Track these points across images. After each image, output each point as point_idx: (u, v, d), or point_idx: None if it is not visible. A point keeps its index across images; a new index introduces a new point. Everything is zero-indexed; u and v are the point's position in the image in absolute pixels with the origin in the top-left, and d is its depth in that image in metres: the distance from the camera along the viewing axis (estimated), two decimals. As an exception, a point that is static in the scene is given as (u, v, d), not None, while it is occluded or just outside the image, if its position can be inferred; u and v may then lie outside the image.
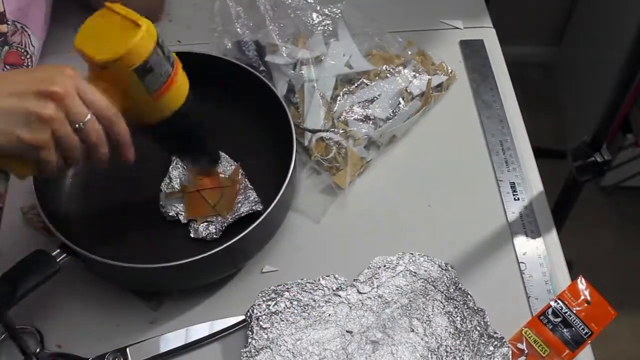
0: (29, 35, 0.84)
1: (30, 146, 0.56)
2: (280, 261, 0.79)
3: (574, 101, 1.99)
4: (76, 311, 0.75)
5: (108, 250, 0.71)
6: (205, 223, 0.77)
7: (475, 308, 0.73)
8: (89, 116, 0.58)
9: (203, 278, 0.75)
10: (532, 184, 0.85)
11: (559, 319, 0.73)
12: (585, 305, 0.75)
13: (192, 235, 0.77)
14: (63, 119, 0.56)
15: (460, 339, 0.71)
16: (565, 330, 0.73)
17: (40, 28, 0.88)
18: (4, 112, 0.54)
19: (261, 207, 0.78)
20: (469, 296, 0.74)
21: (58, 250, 0.70)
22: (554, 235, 0.81)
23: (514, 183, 0.85)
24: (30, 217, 0.79)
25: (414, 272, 0.76)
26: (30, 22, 0.85)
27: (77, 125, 0.57)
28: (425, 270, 0.76)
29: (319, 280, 0.75)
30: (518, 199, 0.83)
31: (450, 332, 0.72)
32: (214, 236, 0.77)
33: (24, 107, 0.54)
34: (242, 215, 0.78)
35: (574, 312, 0.74)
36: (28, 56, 0.84)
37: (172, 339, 0.72)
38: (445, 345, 0.71)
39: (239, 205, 0.79)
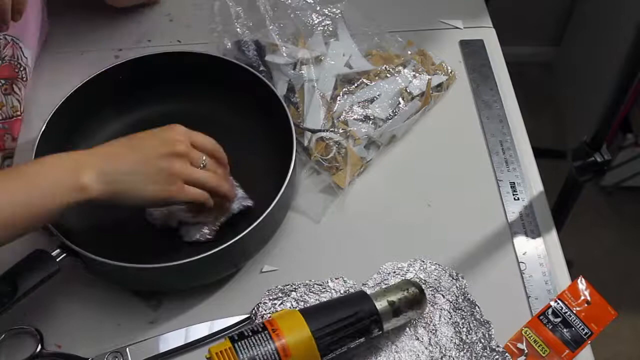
0: (20, 47, 0.85)
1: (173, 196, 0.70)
2: (280, 261, 0.79)
3: (574, 101, 1.99)
4: (76, 311, 0.75)
5: (108, 250, 0.71)
6: (198, 225, 0.77)
7: (482, 320, 0.73)
8: (204, 157, 0.72)
9: (203, 278, 0.75)
10: (532, 184, 0.85)
11: (559, 319, 0.73)
12: (585, 305, 0.75)
13: (184, 239, 0.77)
14: (190, 167, 0.71)
15: (464, 351, 0.71)
16: (565, 330, 0.73)
17: (33, 38, 0.89)
18: (149, 175, 0.68)
19: (251, 202, 0.78)
20: (476, 307, 0.74)
21: (58, 250, 0.70)
22: (554, 235, 0.81)
23: (513, 183, 0.85)
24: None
25: (424, 280, 0.76)
26: (22, 34, 0.86)
27: (201, 165, 0.72)
28: (435, 279, 0.76)
29: (327, 282, 0.75)
30: (518, 199, 0.83)
31: (455, 342, 0.72)
32: (208, 237, 0.76)
33: (161, 167, 0.68)
34: (234, 213, 0.77)
35: (574, 312, 0.74)
36: (22, 68, 0.85)
37: (172, 339, 0.72)
38: (449, 356, 0.70)
39: (227, 203, 0.78)
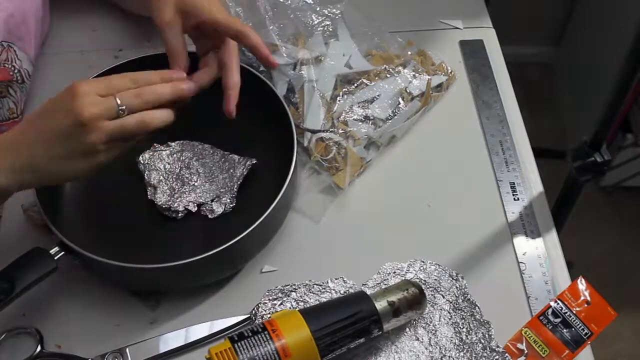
0: (14, 51, 0.86)
1: (101, 162, 0.64)
2: (280, 261, 0.79)
3: (574, 101, 1.99)
4: (76, 311, 0.75)
5: (107, 249, 0.71)
6: (216, 199, 0.79)
7: (482, 320, 0.73)
8: (118, 100, 0.63)
9: (203, 279, 0.75)
10: (532, 184, 0.85)
11: (558, 320, 0.73)
12: (585, 305, 0.75)
13: (210, 216, 0.78)
14: (105, 127, 0.62)
15: (464, 351, 0.71)
16: (565, 330, 0.73)
17: (31, 41, 0.89)
18: (63, 157, 0.62)
19: (254, 160, 0.81)
20: (476, 307, 0.74)
21: (56, 248, 0.70)
22: (553, 235, 0.81)
23: (513, 183, 0.85)
24: (31, 214, 0.79)
25: (424, 280, 0.76)
26: (18, 38, 0.86)
27: (120, 112, 0.63)
28: (435, 279, 0.76)
29: (327, 282, 0.75)
30: (518, 199, 0.83)
31: (455, 343, 0.72)
32: (232, 206, 0.79)
33: (73, 146, 0.62)
34: (244, 176, 0.80)
35: (574, 312, 0.74)
36: (16, 71, 0.86)
37: (172, 339, 0.72)
38: (449, 357, 0.70)
39: (231, 170, 0.81)
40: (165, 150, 0.82)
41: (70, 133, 0.61)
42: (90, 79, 0.66)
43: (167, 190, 0.79)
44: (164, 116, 0.67)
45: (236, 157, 0.82)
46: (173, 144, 0.83)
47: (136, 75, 0.67)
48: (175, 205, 0.79)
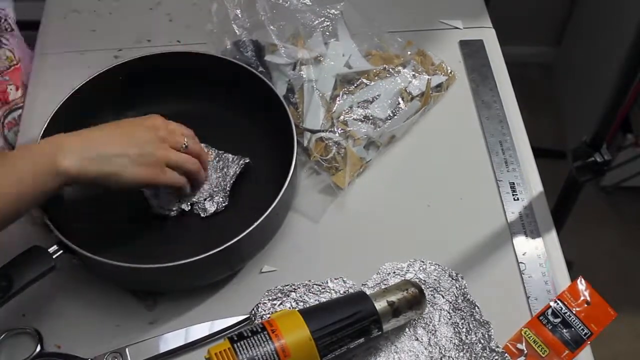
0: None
1: (157, 178, 0.72)
2: (280, 261, 0.78)
3: (574, 101, 1.99)
4: (75, 312, 0.75)
5: (106, 248, 0.71)
6: (208, 198, 0.79)
7: (482, 320, 0.73)
8: (185, 139, 0.75)
9: (202, 279, 0.75)
10: (532, 184, 0.85)
11: (558, 320, 0.73)
12: (585, 305, 0.75)
13: (202, 215, 0.78)
14: (171, 151, 0.73)
15: (464, 351, 0.71)
16: (564, 330, 0.73)
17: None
18: (133, 158, 0.70)
19: (247, 159, 0.81)
20: (476, 308, 0.74)
21: (55, 247, 0.70)
22: (553, 235, 0.81)
23: (513, 183, 0.85)
24: (31, 212, 0.79)
25: (424, 281, 0.76)
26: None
27: (183, 147, 0.75)
28: (434, 279, 0.76)
29: (327, 282, 0.75)
30: (517, 199, 0.83)
31: (454, 343, 0.71)
32: (224, 205, 0.79)
33: (145, 151, 0.71)
34: (237, 175, 0.80)
35: (574, 312, 0.74)
36: (3, 20, 0.89)
37: (172, 339, 0.72)
38: (449, 357, 0.70)
39: (225, 170, 0.81)
40: None
41: (147, 142, 0.71)
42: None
43: (161, 189, 0.79)
44: (202, 178, 0.79)
45: (230, 156, 0.82)
46: None
47: (192, 133, 0.78)
48: (167, 210, 0.79)
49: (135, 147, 0.70)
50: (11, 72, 0.88)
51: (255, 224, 0.71)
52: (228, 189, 0.80)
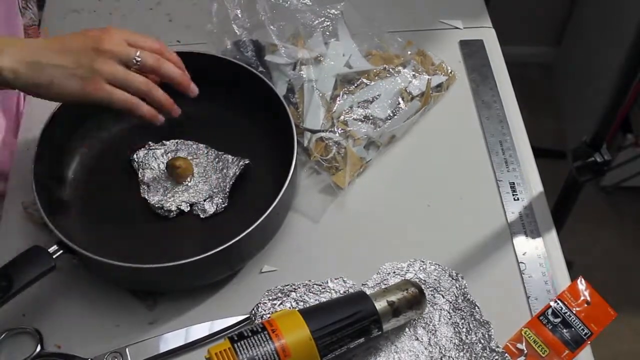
0: None
1: (90, 95, 0.67)
2: (280, 261, 0.78)
3: (574, 101, 1.99)
4: (76, 311, 0.75)
5: (106, 248, 0.71)
6: (208, 199, 0.79)
7: (482, 320, 0.73)
8: (138, 52, 0.68)
9: (202, 279, 0.75)
10: (532, 184, 0.85)
11: (558, 320, 0.73)
12: (585, 305, 0.75)
13: (202, 216, 0.78)
14: (114, 66, 0.67)
15: (464, 351, 0.71)
16: (564, 330, 0.73)
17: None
18: (68, 68, 0.66)
19: (247, 160, 0.81)
20: (476, 307, 0.74)
21: (55, 247, 0.70)
22: (553, 235, 0.81)
23: (513, 183, 0.85)
24: (31, 212, 0.80)
25: (424, 280, 0.76)
26: None
27: (134, 62, 0.68)
28: (435, 279, 0.76)
29: (327, 282, 0.75)
30: (518, 199, 0.83)
31: (455, 343, 0.71)
32: (224, 206, 0.79)
33: (82, 62, 0.66)
34: (237, 176, 0.80)
35: (574, 312, 0.74)
36: None
37: (172, 339, 0.72)
38: (449, 357, 0.70)
39: (225, 170, 0.80)
40: (160, 149, 0.82)
41: (84, 52, 0.66)
42: (125, 29, 0.70)
43: (160, 189, 0.80)
44: (162, 98, 0.70)
45: (230, 157, 0.82)
46: (168, 142, 0.83)
47: (164, 47, 0.72)
48: (168, 204, 0.78)
49: (71, 58, 0.66)
50: (33, 28, 0.92)
51: (256, 223, 0.71)
52: (227, 190, 0.80)
